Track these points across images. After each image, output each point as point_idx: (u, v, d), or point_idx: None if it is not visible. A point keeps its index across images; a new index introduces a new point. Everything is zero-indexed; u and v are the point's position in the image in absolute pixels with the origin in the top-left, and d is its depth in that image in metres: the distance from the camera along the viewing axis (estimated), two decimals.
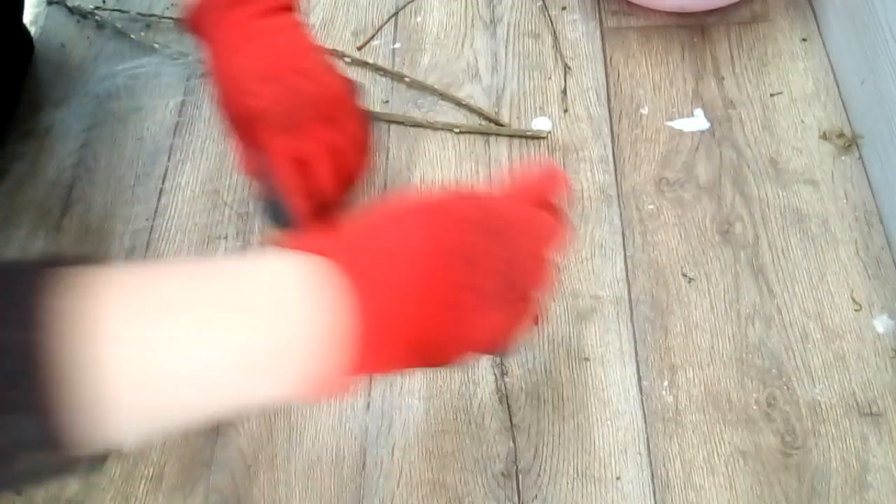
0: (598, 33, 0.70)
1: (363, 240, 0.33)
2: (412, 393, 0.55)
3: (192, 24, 0.50)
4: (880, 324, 0.55)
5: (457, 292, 0.34)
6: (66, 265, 0.27)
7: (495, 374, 0.55)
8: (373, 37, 0.72)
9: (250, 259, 0.32)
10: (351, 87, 0.53)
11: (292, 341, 0.30)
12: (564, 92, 0.67)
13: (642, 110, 0.65)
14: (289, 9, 0.51)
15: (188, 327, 0.28)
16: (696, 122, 0.64)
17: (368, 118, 0.53)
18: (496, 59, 0.69)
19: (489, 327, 0.36)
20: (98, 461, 0.27)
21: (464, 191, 0.37)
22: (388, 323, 0.32)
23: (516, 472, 0.51)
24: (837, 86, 0.65)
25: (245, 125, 0.49)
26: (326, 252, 0.32)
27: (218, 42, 0.49)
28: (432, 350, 0.35)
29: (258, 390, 0.30)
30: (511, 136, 0.65)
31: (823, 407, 0.52)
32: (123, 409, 0.27)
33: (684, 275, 0.58)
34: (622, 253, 0.59)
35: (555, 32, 0.70)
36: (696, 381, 0.54)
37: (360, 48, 0.71)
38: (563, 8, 0.72)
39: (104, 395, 0.26)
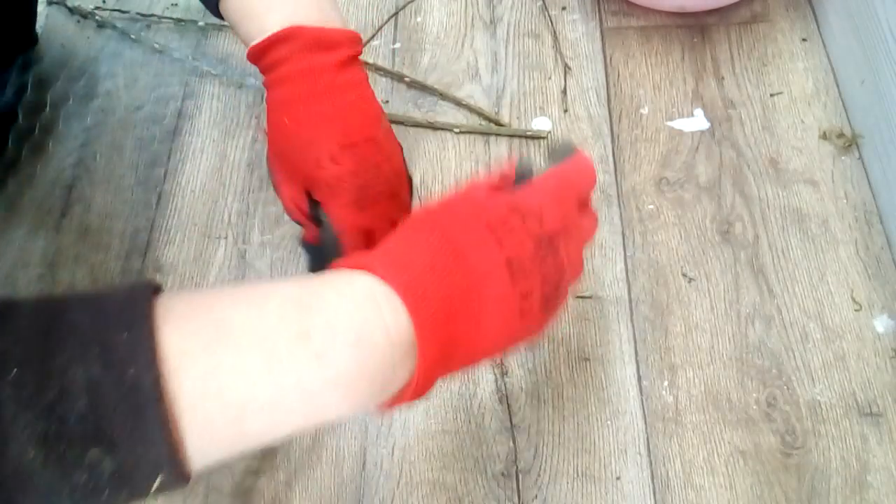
0: (598, 33, 0.70)
1: (417, 259, 0.34)
2: None
3: (266, 59, 0.49)
4: (880, 324, 0.55)
5: (512, 303, 0.35)
6: (149, 294, 0.28)
7: (495, 374, 0.55)
8: (373, 37, 0.72)
9: (305, 284, 0.33)
10: (402, 151, 0.53)
11: (355, 370, 0.31)
12: (564, 92, 0.67)
13: (642, 110, 0.65)
14: (358, 57, 0.51)
15: (253, 359, 0.29)
16: (696, 122, 0.64)
17: (411, 183, 0.54)
18: (496, 59, 0.69)
19: (536, 328, 0.38)
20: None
21: (507, 191, 0.38)
22: (446, 346, 0.34)
23: (516, 472, 0.51)
24: (837, 86, 0.65)
25: (310, 183, 0.49)
26: (382, 274, 0.33)
27: (294, 87, 0.48)
28: (485, 356, 0.37)
29: (324, 415, 0.31)
30: (511, 136, 0.65)
31: (823, 407, 0.52)
32: (187, 438, 0.27)
33: (684, 275, 0.58)
34: (622, 253, 0.59)
35: (555, 32, 0.70)
36: (696, 381, 0.54)
37: (359, 54, 0.71)
38: (563, 8, 0.72)
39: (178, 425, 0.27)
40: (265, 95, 0.50)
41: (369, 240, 0.49)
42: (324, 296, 0.32)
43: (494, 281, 0.35)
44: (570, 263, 0.38)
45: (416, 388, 0.33)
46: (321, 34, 0.48)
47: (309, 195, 0.50)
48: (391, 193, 0.50)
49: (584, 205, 0.41)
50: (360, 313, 0.31)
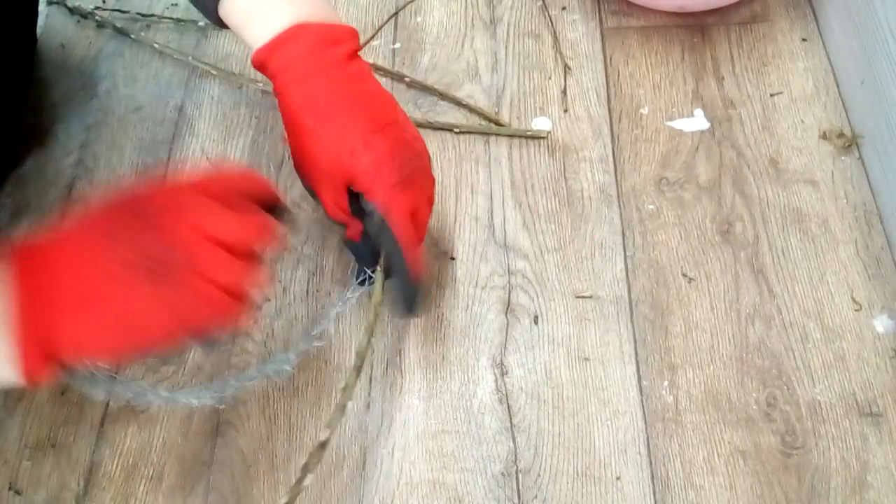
0: (598, 33, 0.70)
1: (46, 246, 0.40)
2: (412, 393, 0.55)
3: (274, 61, 0.49)
4: (880, 324, 0.55)
5: (104, 265, 0.39)
6: None
7: (495, 374, 0.55)
8: (373, 37, 0.72)
9: None
10: None
11: None
12: (564, 92, 0.67)
13: (642, 110, 0.65)
14: (358, 50, 0.52)
15: None
16: (696, 122, 0.64)
17: None
18: (496, 59, 0.69)
19: (152, 300, 0.40)
20: None
21: (134, 189, 0.43)
22: (49, 306, 0.39)
23: (516, 472, 0.51)
24: (837, 86, 0.65)
25: (348, 176, 0.49)
26: (13, 259, 0.39)
27: (309, 85, 0.48)
28: (113, 328, 0.40)
29: None
30: (511, 136, 0.65)
31: (823, 407, 0.52)
32: None
33: (684, 275, 0.58)
34: (622, 253, 0.59)
35: (555, 32, 0.70)
36: (696, 381, 0.54)
37: (360, 48, 0.71)
38: (563, 8, 0.72)
39: None
40: (277, 103, 0.50)
41: (414, 220, 0.50)
42: None
43: (85, 248, 0.40)
44: (172, 234, 0.40)
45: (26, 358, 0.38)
46: (327, 29, 0.48)
47: (347, 190, 0.50)
48: (424, 170, 0.51)
49: (225, 197, 0.43)
50: None
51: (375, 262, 0.52)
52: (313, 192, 0.53)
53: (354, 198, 0.50)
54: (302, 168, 0.52)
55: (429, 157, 0.52)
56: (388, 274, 0.52)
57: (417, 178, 0.50)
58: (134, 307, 0.40)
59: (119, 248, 0.39)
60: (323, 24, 0.49)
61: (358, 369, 0.50)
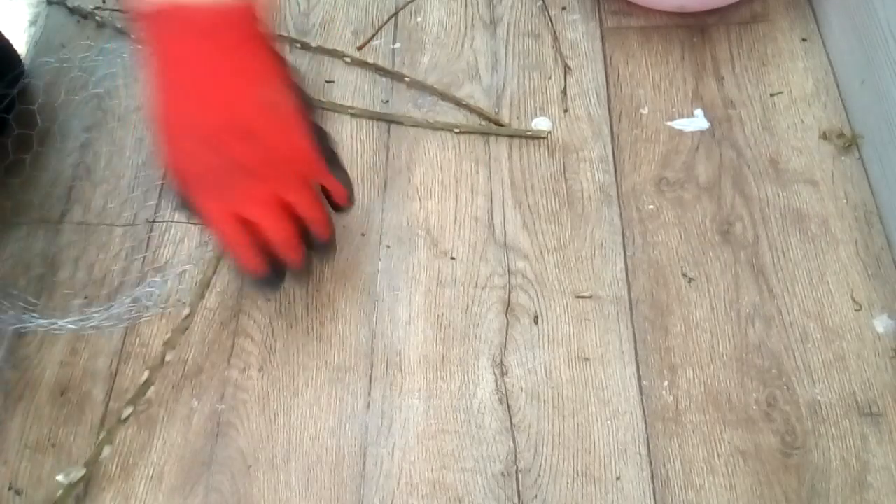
0: (598, 33, 0.70)
1: None
2: (412, 393, 0.55)
3: (145, 18, 0.44)
4: (880, 324, 0.55)
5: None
6: None
7: (495, 374, 0.55)
8: (373, 37, 0.72)
9: None
10: (313, 123, 0.50)
11: None
12: (564, 92, 0.67)
13: (642, 110, 0.65)
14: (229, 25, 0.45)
15: None
16: (696, 122, 0.64)
17: (335, 158, 0.53)
18: (496, 59, 0.69)
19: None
20: None
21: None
22: None
23: (516, 472, 0.51)
24: (837, 86, 0.65)
25: (177, 175, 0.48)
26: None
27: (169, 59, 0.44)
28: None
29: None
30: (511, 136, 0.65)
31: (823, 407, 0.52)
32: None
33: (684, 275, 0.58)
34: (622, 253, 0.59)
35: (555, 32, 0.70)
36: (696, 381, 0.54)
37: (360, 48, 0.71)
38: (563, 8, 0.72)
39: None
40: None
41: (237, 220, 0.48)
42: None
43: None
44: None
45: None
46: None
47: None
48: (261, 178, 0.48)
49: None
50: None
51: None
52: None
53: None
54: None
55: (285, 163, 0.48)
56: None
57: (247, 187, 0.47)
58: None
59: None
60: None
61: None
